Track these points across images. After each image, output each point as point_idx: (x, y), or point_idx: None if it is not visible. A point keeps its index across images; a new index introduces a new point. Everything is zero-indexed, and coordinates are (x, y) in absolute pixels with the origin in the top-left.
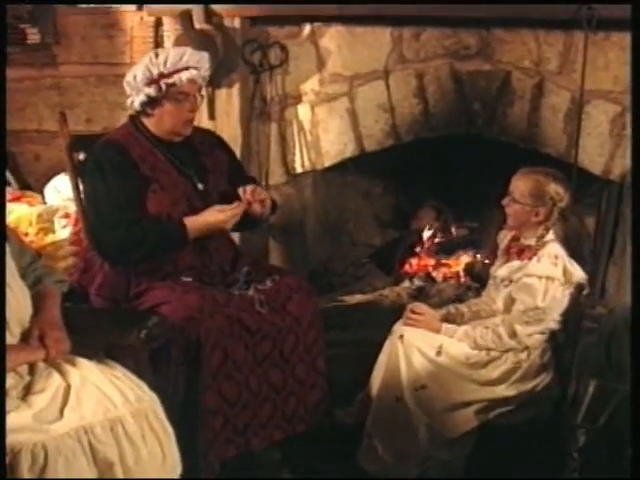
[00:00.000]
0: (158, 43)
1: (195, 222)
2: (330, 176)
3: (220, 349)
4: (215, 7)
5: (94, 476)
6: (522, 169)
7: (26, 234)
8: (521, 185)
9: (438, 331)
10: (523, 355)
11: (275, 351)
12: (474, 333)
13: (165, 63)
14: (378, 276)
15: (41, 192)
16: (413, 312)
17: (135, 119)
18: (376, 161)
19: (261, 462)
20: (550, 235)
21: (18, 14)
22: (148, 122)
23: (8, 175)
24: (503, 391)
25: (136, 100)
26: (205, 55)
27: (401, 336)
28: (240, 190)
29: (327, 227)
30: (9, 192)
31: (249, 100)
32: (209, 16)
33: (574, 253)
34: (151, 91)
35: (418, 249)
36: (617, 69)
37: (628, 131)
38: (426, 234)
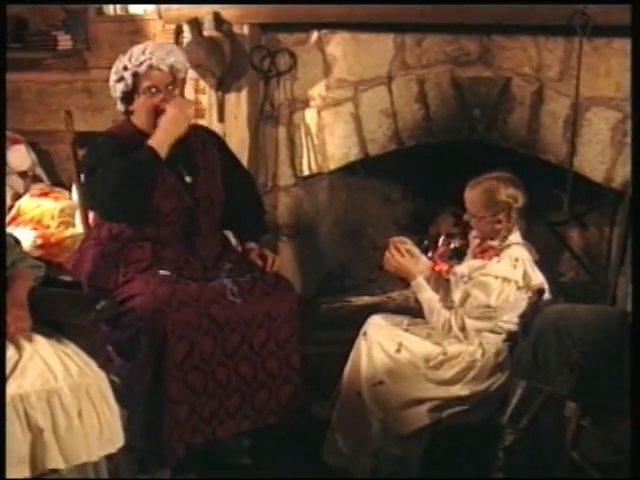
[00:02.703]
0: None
1: (157, 137)
2: (351, 180)
3: (186, 341)
4: (224, 14)
5: (27, 440)
6: (469, 182)
7: (48, 227)
8: (474, 199)
9: (413, 277)
10: (478, 354)
11: (245, 344)
12: (434, 305)
13: (130, 58)
14: (392, 279)
15: (71, 189)
16: (396, 248)
17: (129, 118)
18: (394, 165)
19: (226, 449)
20: (515, 237)
21: (52, 22)
22: (134, 119)
23: (40, 172)
24: (457, 391)
25: (116, 99)
26: (173, 47)
27: (365, 333)
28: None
29: (347, 230)
30: (39, 187)
31: (259, 104)
32: (219, 23)
33: (593, 262)
34: (121, 86)
35: (431, 254)
36: (619, 76)
37: (629, 139)
38: (442, 240)
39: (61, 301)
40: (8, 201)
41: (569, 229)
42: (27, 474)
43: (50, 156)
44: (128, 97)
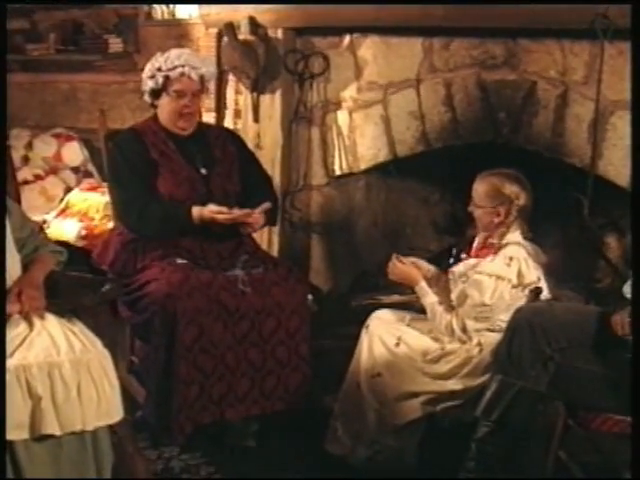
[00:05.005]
0: (220, 51)
1: (199, 212)
2: (390, 181)
3: (196, 325)
4: (259, 19)
5: (28, 406)
6: (480, 174)
7: (92, 219)
8: (479, 189)
9: (416, 283)
10: (475, 351)
11: (254, 331)
12: (437, 309)
13: (166, 60)
14: None
15: None
16: (398, 258)
17: (156, 115)
18: (432, 166)
19: (233, 431)
20: (513, 237)
21: (105, 26)
22: (159, 115)
23: (92, 167)
24: (451, 385)
25: (144, 92)
26: (207, 58)
27: (367, 326)
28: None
29: (384, 231)
30: (89, 182)
31: (293, 106)
32: (254, 27)
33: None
34: (151, 83)
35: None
36: None
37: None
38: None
39: (72, 283)
40: (60, 194)
41: (606, 235)
42: (26, 437)
43: (101, 153)
44: (156, 94)
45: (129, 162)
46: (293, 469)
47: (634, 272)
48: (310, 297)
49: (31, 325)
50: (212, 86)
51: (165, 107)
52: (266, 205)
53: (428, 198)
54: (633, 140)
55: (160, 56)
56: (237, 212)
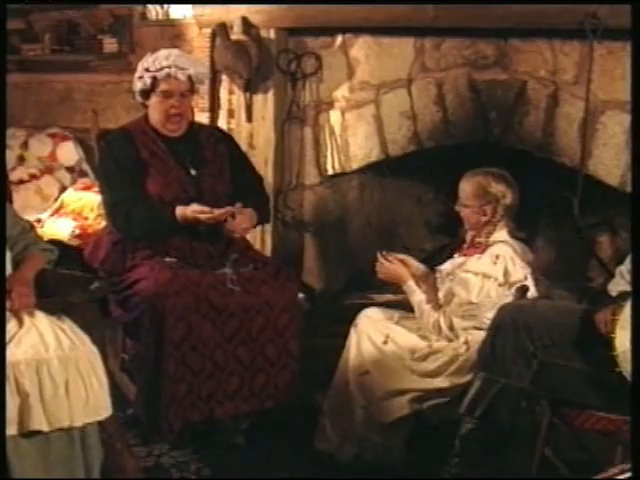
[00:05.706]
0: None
1: (182, 212)
2: (384, 181)
3: (184, 323)
4: (252, 19)
5: (16, 403)
6: (466, 173)
7: (86, 218)
8: (465, 188)
9: (404, 282)
10: (462, 349)
11: (243, 330)
12: (424, 308)
13: (154, 61)
14: None
15: None
16: (385, 257)
17: (147, 115)
18: (426, 166)
19: (223, 428)
20: (500, 235)
21: (100, 26)
22: (149, 115)
23: (86, 167)
24: (438, 383)
25: (134, 92)
26: (197, 60)
27: (355, 324)
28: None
29: (378, 230)
30: (83, 182)
31: (287, 105)
32: (247, 28)
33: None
34: (140, 84)
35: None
36: None
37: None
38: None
39: (62, 281)
40: (55, 194)
41: (599, 234)
42: (14, 433)
43: (95, 153)
44: (145, 94)
45: (119, 162)
46: (282, 467)
47: (634, 271)
48: (302, 296)
49: (20, 322)
50: (206, 86)
51: (154, 107)
52: (238, 206)
53: (421, 198)
54: (633, 140)
55: (149, 56)
56: (218, 211)
